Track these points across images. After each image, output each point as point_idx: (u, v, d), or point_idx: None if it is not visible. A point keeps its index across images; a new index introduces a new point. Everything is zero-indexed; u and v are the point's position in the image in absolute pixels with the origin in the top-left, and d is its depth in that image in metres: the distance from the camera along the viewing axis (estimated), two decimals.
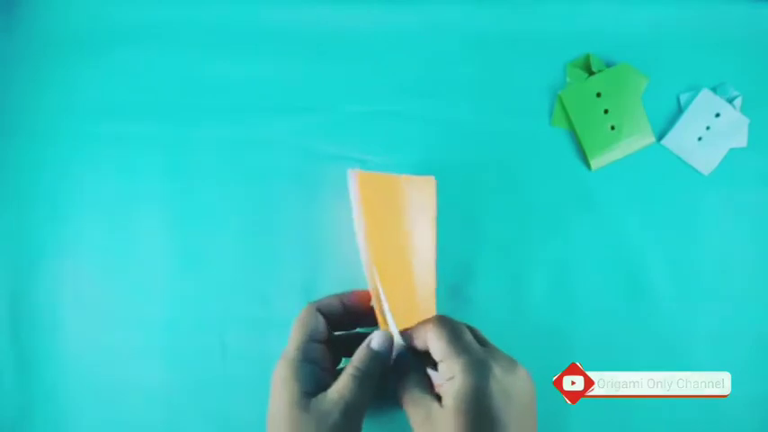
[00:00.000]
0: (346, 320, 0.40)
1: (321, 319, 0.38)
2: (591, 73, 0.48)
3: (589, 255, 0.48)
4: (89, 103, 0.49)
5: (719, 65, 0.49)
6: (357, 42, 0.49)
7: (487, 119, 0.48)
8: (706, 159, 0.48)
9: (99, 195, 0.49)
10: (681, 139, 0.48)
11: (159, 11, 0.49)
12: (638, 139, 0.48)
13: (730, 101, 0.48)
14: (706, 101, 0.48)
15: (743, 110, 0.48)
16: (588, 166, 0.48)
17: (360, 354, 0.36)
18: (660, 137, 0.49)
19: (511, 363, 0.35)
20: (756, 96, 0.48)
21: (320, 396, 0.34)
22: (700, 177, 0.48)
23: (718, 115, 0.48)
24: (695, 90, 0.48)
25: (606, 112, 0.48)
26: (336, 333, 0.41)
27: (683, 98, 0.49)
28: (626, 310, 0.48)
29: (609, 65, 0.49)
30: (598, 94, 0.48)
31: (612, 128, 0.48)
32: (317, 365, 0.36)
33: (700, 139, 0.48)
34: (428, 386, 0.36)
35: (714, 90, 0.48)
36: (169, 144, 0.49)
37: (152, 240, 0.48)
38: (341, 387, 0.34)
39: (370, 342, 0.36)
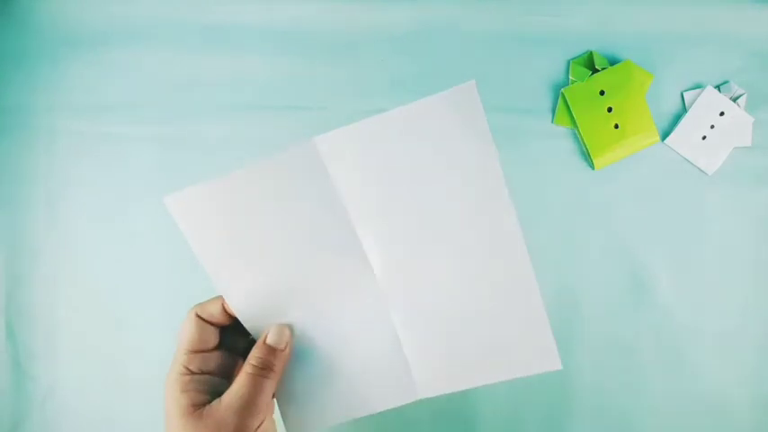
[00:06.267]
0: (234, 323, 0.36)
1: (206, 327, 0.35)
2: (594, 71, 0.48)
3: (592, 254, 0.48)
4: (86, 101, 0.49)
5: (724, 63, 0.48)
6: (357, 42, 0.48)
7: (489, 117, 0.48)
8: (710, 158, 0.48)
9: (96, 195, 0.48)
10: (685, 137, 0.48)
11: (158, 9, 0.49)
12: (642, 138, 0.47)
13: (735, 99, 0.48)
14: (710, 99, 0.48)
15: (747, 108, 0.48)
16: (592, 165, 0.48)
17: (255, 350, 0.34)
18: (664, 135, 0.48)
19: None
20: (761, 95, 0.48)
21: (215, 403, 0.32)
22: (703, 176, 0.48)
23: (722, 114, 0.48)
24: (700, 88, 0.48)
25: (610, 110, 0.47)
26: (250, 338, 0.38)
27: (688, 96, 0.48)
28: (629, 310, 0.48)
29: (612, 62, 0.48)
30: (602, 92, 0.47)
31: (616, 126, 0.47)
32: (207, 375, 0.34)
33: (704, 137, 0.48)
34: None
35: (718, 88, 0.48)
36: (167, 143, 0.48)
37: (149, 240, 0.48)
38: (237, 388, 0.33)
39: (265, 338, 0.35)
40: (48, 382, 0.48)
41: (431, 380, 0.36)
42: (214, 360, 0.35)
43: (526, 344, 0.35)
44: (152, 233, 0.48)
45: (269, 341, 0.35)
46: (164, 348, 0.47)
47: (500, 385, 0.47)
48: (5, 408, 0.48)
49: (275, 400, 0.36)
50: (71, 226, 0.48)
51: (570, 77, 0.48)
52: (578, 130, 0.48)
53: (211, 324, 0.35)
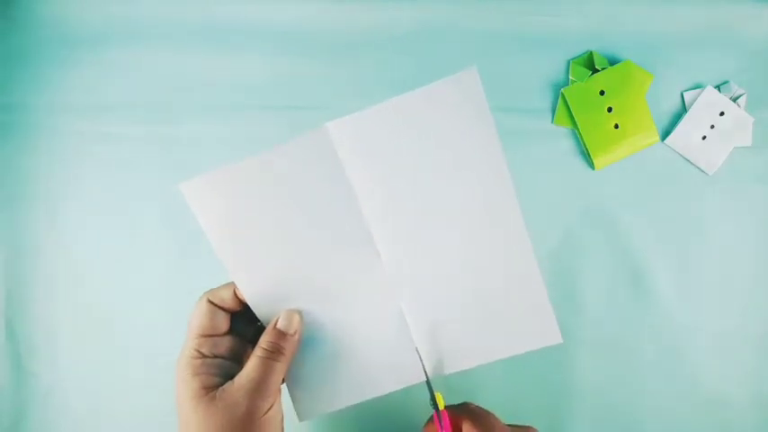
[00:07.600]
0: (244, 309, 0.37)
1: (217, 312, 0.36)
2: (594, 71, 0.48)
3: (592, 254, 0.48)
4: (86, 101, 0.48)
5: (724, 63, 0.48)
6: (357, 42, 0.48)
7: None
8: (710, 158, 0.48)
9: (96, 195, 0.48)
10: (685, 137, 0.48)
11: (158, 9, 0.49)
12: (642, 138, 0.47)
13: (735, 99, 0.48)
14: (710, 99, 0.48)
15: (747, 108, 0.48)
16: (592, 165, 0.48)
17: (266, 335, 0.35)
18: (664, 135, 0.48)
19: None
20: (761, 95, 0.48)
21: (227, 385, 0.33)
22: (703, 176, 0.48)
23: (722, 114, 0.48)
24: (700, 88, 0.48)
25: (610, 110, 0.47)
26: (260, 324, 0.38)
27: (688, 96, 0.48)
28: (629, 310, 0.48)
29: (612, 62, 0.48)
30: (602, 92, 0.48)
31: (616, 126, 0.47)
32: (219, 358, 0.35)
33: (704, 137, 0.48)
34: None
35: (718, 88, 0.48)
36: (167, 143, 0.48)
37: (149, 240, 0.48)
38: (248, 371, 0.33)
39: (276, 322, 0.35)
40: (48, 380, 0.48)
41: (438, 361, 0.37)
42: (225, 344, 0.36)
43: (528, 321, 0.37)
44: (152, 233, 0.48)
45: (279, 326, 0.35)
46: (163, 347, 0.47)
47: (500, 385, 0.47)
48: (6, 405, 0.48)
49: (284, 385, 0.37)
50: (71, 226, 0.48)
51: (570, 77, 0.48)
52: (578, 130, 0.48)
53: (223, 309, 0.36)
